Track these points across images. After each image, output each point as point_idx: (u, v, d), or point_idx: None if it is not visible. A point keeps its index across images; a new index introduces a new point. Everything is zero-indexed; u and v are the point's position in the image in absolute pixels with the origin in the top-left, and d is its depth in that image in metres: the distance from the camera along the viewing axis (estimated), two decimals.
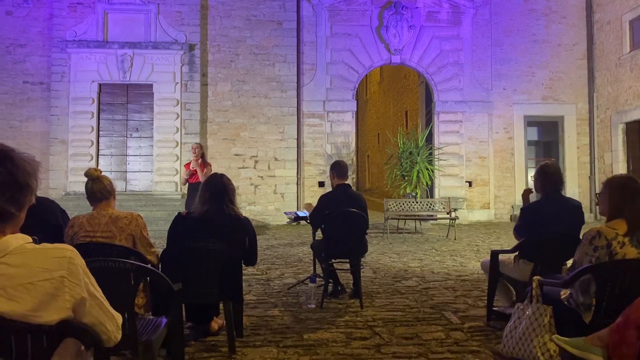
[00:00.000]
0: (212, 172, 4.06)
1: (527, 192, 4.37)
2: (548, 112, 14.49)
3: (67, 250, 1.50)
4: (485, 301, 4.54)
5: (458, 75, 14.18)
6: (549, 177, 4.11)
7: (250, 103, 13.69)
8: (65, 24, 13.10)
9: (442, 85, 14.19)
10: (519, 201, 13.59)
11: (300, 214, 6.27)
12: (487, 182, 14.30)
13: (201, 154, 8.98)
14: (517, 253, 4.19)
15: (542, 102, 14.45)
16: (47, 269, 1.44)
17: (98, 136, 13.18)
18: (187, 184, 8.93)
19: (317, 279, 5.21)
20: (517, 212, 4.42)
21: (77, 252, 1.52)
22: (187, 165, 8.99)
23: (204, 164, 8.90)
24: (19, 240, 1.46)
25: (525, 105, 14.39)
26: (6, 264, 1.41)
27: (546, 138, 15.13)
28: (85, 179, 3.52)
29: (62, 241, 3.46)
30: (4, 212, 1.42)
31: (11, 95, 13.22)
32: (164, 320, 2.79)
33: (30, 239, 1.50)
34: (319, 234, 5.42)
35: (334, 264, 5.32)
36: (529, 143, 14.79)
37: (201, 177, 8.78)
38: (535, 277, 3.27)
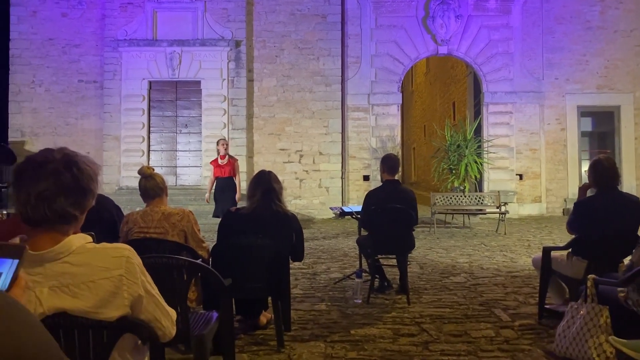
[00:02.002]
0: (260, 169, 4.11)
1: (584, 187, 4.20)
2: (603, 102, 13.91)
3: (125, 249, 1.56)
4: (537, 298, 4.44)
5: (508, 65, 13.81)
6: (604, 172, 3.95)
7: (295, 98, 13.76)
8: (117, 24, 13.51)
9: (491, 75, 13.85)
10: (572, 194, 13.15)
11: (346, 209, 6.28)
12: (539, 175, 13.90)
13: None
14: (570, 250, 4.06)
15: (596, 91, 13.89)
16: (107, 268, 1.50)
17: (149, 132, 13.56)
18: (216, 178, 8.76)
19: (363, 274, 5.20)
20: (570, 206, 4.27)
21: (134, 252, 1.58)
22: (215, 161, 8.84)
23: (232, 158, 8.83)
24: (81, 240, 1.53)
25: (579, 95, 13.87)
26: (69, 263, 1.48)
27: (601, 129, 14.55)
28: (138, 175, 3.64)
29: (117, 236, 3.60)
30: (68, 215, 1.49)
31: (67, 93, 13.77)
32: (215, 314, 2.86)
33: (90, 238, 1.57)
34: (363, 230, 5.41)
35: (380, 260, 5.30)
36: (583, 134, 14.27)
37: (237, 174, 8.70)
38: (589, 276, 3.17)
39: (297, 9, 13.76)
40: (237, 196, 8.60)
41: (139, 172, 3.58)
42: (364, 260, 5.59)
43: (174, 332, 1.74)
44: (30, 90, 13.71)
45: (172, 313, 1.73)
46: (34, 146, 13.30)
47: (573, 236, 4.08)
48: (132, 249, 1.58)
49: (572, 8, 13.87)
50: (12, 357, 0.72)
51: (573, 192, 13.02)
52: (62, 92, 13.75)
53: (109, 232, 3.61)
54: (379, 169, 5.41)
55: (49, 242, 1.48)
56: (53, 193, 1.46)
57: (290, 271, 4.24)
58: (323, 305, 4.75)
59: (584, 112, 14.07)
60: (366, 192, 5.43)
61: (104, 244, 1.57)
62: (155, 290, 1.64)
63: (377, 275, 5.16)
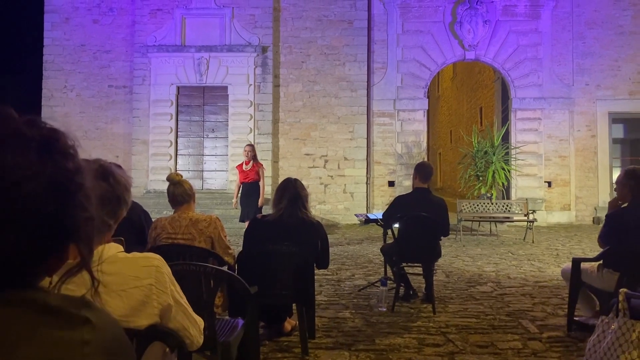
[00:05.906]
0: (286, 177, 4.13)
1: (615, 201, 4.11)
2: (636, 108, 13.57)
3: (154, 259, 1.58)
4: (565, 310, 4.36)
5: (536, 70, 13.61)
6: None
7: (321, 103, 13.79)
8: (146, 30, 13.74)
9: (520, 81, 13.67)
10: (602, 202, 12.87)
11: (371, 216, 6.26)
12: (568, 182, 13.63)
13: (253, 155, 8.88)
14: (601, 262, 3.98)
15: (629, 97, 13.58)
16: (138, 277, 1.53)
17: (176, 137, 13.75)
18: (241, 183, 8.76)
19: (388, 282, 5.17)
20: (600, 215, 4.21)
21: (164, 261, 1.61)
22: (240, 167, 8.85)
23: (257, 164, 8.82)
24: (113, 249, 1.56)
25: (610, 101, 13.58)
26: (101, 271, 1.51)
27: (633, 136, 14.22)
28: (166, 180, 3.69)
29: (145, 241, 3.65)
30: (103, 224, 1.53)
31: (97, 98, 14.05)
32: (241, 321, 2.88)
33: (122, 248, 1.60)
34: (389, 237, 5.38)
35: (405, 268, 5.27)
36: (614, 141, 13.95)
37: (262, 179, 8.68)
38: (621, 290, 3.08)
39: (323, 14, 13.80)
40: (260, 200, 8.61)
41: (168, 178, 3.63)
42: (388, 267, 5.56)
43: (201, 340, 1.76)
44: (62, 95, 14.03)
45: (200, 322, 1.76)
46: None
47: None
48: (161, 258, 1.60)
49: (604, 13, 13.60)
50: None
51: (604, 200, 12.75)
52: (93, 97, 14.03)
53: (137, 237, 3.67)
54: (412, 175, 5.34)
55: None
56: None
57: (315, 277, 4.24)
58: (347, 312, 4.74)
59: (615, 118, 13.77)
60: (392, 197, 5.42)
61: (135, 254, 1.60)
62: (183, 300, 1.67)
63: (402, 284, 5.12)
